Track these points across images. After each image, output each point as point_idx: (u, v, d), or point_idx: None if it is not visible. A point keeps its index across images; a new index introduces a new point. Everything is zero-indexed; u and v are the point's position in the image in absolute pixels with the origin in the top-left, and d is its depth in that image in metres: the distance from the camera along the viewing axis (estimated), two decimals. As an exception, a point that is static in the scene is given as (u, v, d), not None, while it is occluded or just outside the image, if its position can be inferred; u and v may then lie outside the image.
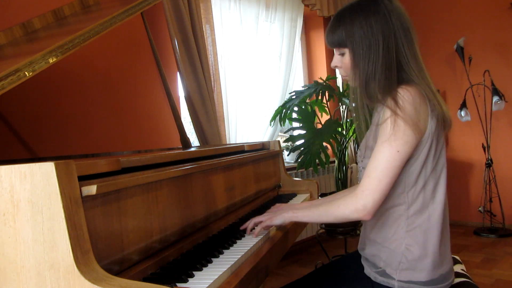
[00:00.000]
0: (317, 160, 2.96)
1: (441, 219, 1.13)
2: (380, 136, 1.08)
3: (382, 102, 1.10)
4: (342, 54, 1.17)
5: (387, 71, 1.09)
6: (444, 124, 1.13)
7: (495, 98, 3.73)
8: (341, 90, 3.31)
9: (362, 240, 1.26)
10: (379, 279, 1.15)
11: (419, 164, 1.10)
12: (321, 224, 3.08)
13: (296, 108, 3.05)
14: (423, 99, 1.08)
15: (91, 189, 0.78)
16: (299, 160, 3.00)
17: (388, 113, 1.07)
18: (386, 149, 1.05)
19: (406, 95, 1.06)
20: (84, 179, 0.80)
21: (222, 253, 1.11)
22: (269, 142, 2.06)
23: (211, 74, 2.89)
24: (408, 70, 1.11)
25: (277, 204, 1.47)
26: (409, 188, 1.12)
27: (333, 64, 1.21)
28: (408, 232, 1.12)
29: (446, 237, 1.17)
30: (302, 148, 2.98)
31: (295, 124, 3.21)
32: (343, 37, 1.14)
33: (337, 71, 1.21)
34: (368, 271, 1.19)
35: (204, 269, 0.98)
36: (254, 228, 1.29)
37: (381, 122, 1.09)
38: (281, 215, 1.25)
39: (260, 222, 1.27)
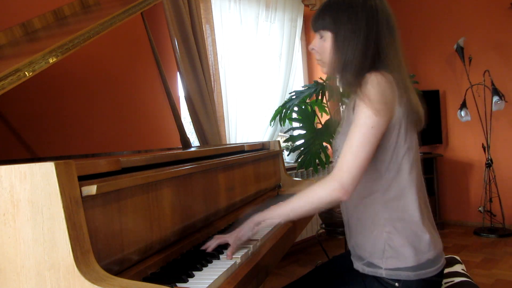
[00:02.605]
0: (317, 160, 2.96)
1: (420, 205, 1.14)
2: (353, 120, 1.10)
3: (353, 86, 1.13)
4: (323, 38, 1.21)
5: (363, 57, 1.13)
6: (412, 116, 1.14)
7: (495, 98, 3.73)
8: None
9: (348, 233, 1.27)
10: (366, 270, 1.16)
11: (390, 150, 1.13)
12: (321, 223, 3.08)
13: (296, 108, 3.05)
14: (390, 85, 1.10)
15: (91, 189, 0.78)
16: (299, 160, 3.00)
17: (358, 98, 1.10)
18: (359, 127, 1.07)
19: (370, 78, 1.09)
20: (84, 179, 0.80)
21: (222, 253, 1.11)
22: (269, 142, 2.06)
23: (211, 74, 2.89)
24: (384, 59, 1.14)
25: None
26: (382, 174, 1.14)
27: (311, 46, 1.24)
28: (386, 219, 1.14)
29: (429, 223, 1.17)
30: (302, 148, 2.98)
31: (295, 124, 3.20)
32: (328, 21, 1.19)
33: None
34: (357, 264, 1.21)
35: (204, 269, 0.98)
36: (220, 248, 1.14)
37: (353, 107, 1.13)
38: (246, 225, 1.15)
39: (226, 242, 1.13)
